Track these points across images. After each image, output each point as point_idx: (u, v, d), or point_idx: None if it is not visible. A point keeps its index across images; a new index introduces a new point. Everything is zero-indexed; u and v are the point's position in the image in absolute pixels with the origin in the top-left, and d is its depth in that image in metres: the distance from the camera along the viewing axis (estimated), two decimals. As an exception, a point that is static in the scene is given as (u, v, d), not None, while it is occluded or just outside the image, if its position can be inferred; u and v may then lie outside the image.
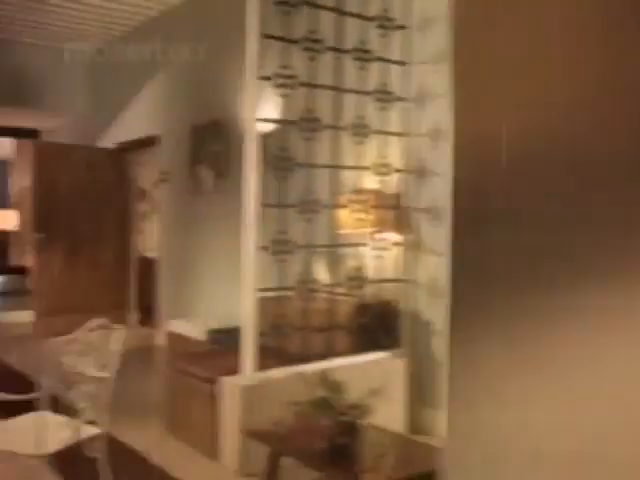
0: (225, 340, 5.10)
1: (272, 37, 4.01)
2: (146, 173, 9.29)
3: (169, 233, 7.89)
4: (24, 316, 9.09)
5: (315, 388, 3.04)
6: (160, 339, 6.71)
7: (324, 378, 3.04)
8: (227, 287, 6.66)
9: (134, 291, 9.09)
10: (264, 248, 4.00)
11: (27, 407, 3.46)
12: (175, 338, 5.92)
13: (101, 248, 8.86)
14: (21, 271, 11.65)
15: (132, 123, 8.64)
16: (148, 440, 4.52)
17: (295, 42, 4.14)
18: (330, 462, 2.94)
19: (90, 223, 8.75)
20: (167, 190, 7.87)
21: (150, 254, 9.30)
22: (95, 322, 3.34)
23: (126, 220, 9.07)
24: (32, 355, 7.48)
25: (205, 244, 7.13)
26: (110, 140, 9.09)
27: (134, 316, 9.06)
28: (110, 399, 3.35)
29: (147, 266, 9.11)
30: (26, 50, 9.28)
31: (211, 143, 6.85)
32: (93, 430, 3.32)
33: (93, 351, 3.26)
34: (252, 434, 3.19)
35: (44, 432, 3.10)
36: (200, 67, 7.25)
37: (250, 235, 3.97)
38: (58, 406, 3.41)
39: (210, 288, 7.02)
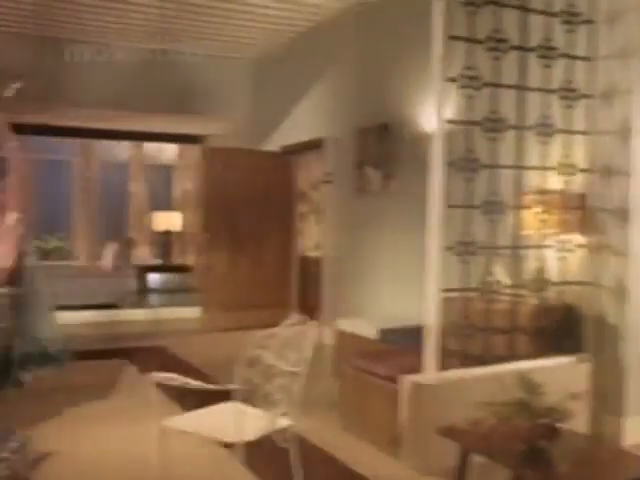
0: (399, 339, 5.13)
1: (458, 38, 4.00)
2: (306, 175, 9.49)
3: (334, 233, 8.03)
4: (191, 312, 9.50)
5: (511, 389, 3.01)
6: (326, 337, 6.82)
7: (522, 379, 3.00)
8: (395, 287, 6.70)
9: (295, 290, 9.31)
10: (448, 249, 4.00)
11: (215, 398, 3.62)
12: (345, 336, 5.99)
13: (264, 248, 9.12)
14: (184, 269, 12.23)
15: (297, 127, 8.86)
16: (325, 435, 4.60)
17: (480, 42, 4.11)
18: (528, 464, 2.90)
19: (253, 224, 9.02)
20: (331, 191, 8.02)
21: (311, 253, 9.50)
22: (293, 318, 3.45)
23: (288, 220, 9.31)
24: (201, 348, 7.88)
25: (371, 244, 7.20)
26: (274, 144, 9.37)
27: (295, 314, 9.25)
28: (301, 393, 3.45)
29: (308, 265, 9.31)
30: (192, 60, 9.73)
31: (378, 145, 6.92)
32: (286, 422, 3.44)
33: (289, 346, 3.36)
34: (446, 432, 3.20)
35: (243, 421, 3.23)
36: (367, 71, 7.34)
37: (434, 235, 3.98)
38: (247, 398, 3.55)
39: (377, 288, 7.08)
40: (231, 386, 3.39)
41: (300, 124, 8.82)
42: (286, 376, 3.34)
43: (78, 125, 11.10)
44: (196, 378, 3.40)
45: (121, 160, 12.71)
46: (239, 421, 3.22)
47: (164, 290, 12.23)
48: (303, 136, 8.71)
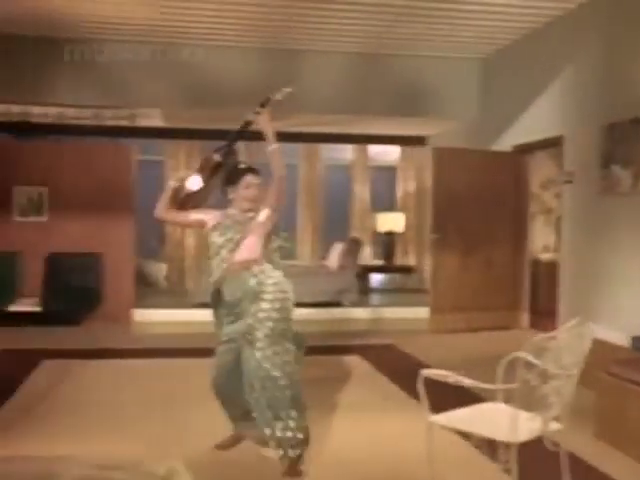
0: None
1: None
2: (536, 175, 9.23)
3: (573, 235, 7.73)
4: (417, 312, 9.55)
5: None
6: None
7: None
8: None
9: (527, 293, 9.06)
10: None
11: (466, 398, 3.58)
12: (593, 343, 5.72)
13: (494, 249, 8.97)
14: (406, 270, 12.31)
15: (530, 125, 8.64)
16: (577, 441, 4.41)
17: None
18: None
19: (484, 224, 8.91)
20: (571, 191, 7.72)
21: (542, 255, 9.21)
22: (573, 322, 3.34)
23: (518, 222, 9.09)
24: (432, 348, 7.90)
25: (616, 248, 6.84)
26: (505, 143, 9.18)
27: (526, 318, 9.03)
28: (572, 397, 3.34)
29: (541, 268, 9.03)
30: (416, 62, 9.79)
31: (628, 141, 6.56)
32: (557, 425, 3.34)
33: (566, 349, 3.25)
34: None
35: (515, 421, 3.17)
36: (612, 64, 6.99)
37: None
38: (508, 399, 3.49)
39: (622, 294, 6.72)
40: (509, 386, 3.33)
41: (534, 122, 8.60)
42: (561, 379, 3.24)
43: (303, 130, 11.51)
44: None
45: (344, 162, 13.02)
46: (512, 421, 3.17)
47: (386, 290, 12.39)
48: (537, 135, 8.47)
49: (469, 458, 4.13)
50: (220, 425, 4.39)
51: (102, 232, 9.44)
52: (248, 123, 4.26)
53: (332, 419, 5.01)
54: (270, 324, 4.04)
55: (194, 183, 4.20)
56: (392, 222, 12.21)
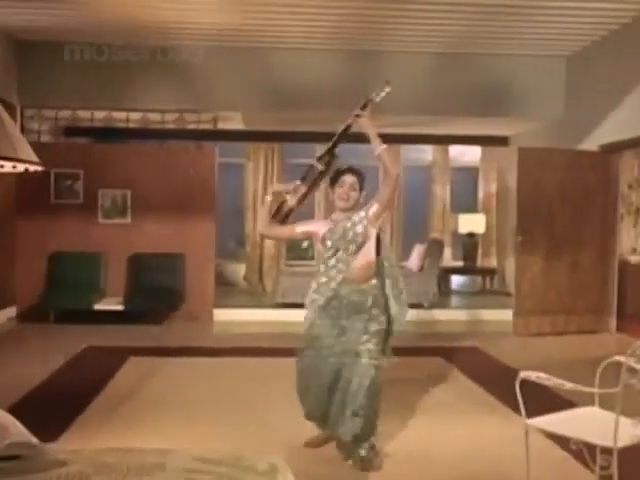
0: None
1: None
2: (624, 174, 8.95)
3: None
4: (499, 315, 9.39)
5: None
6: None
7: None
8: None
9: (614, 296, 8.78)
10: None
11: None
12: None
13: (581, 251, 8.74)
14: (488, 272, 12.11)
15: (619, 124, 8.37)
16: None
17: None
18: None
19: (570, 226, 8.69)
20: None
21: (632, 258, 8.92)
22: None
23: (607, 223, 8.82)
24: (518, 351, 7.75)
25: None
26: (591, 142, 8.93)
27: (613, 322, 8.76)
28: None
29: (629, 270, 8.75)
30: (499, 61, 9.61)
31: None
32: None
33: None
34: None
35: (617, 426, 3.06)
36: None
37: None
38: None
39: None
40: (611, 390, 3.21)
41: (622, 121, 8.34)
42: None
43: (383, 131, 11.41)
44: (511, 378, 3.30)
45: (425, 163, 12.90)
46: (613, 426, 3.05)
47: (467, 292, 12.22)
48: (625, 133, 8.22)
49: (564, 463, 4.04)
50: (305, 424, 4.38)
51: (184, 233, 9.59)
52: (348, 127, 4.18)
53: (420, 421, 4.97)
54: (380, 338, 4.07)
55: (295, 196, 4.17)
56: (473, 223, 12.03)
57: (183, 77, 9.32)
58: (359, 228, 4.06)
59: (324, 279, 4.11)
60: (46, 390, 5.70)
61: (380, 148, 4.06)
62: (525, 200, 8.55)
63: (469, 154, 12.91)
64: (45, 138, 9.91)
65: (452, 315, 10.00)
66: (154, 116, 9.98)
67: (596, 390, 3.44)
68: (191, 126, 10.07)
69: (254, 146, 12.18)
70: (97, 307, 8.94)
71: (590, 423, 3.35)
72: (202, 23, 8.44)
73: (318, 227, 4.21)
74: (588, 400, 3.53)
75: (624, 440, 3.10)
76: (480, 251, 12.44)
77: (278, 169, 12.18)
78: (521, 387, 3.31)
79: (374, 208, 4.08)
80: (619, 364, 3.16)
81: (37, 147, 3.42)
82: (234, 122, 10.63)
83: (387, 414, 5.06)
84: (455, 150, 12.77)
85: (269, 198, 4.27)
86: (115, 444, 4.18)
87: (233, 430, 4.68)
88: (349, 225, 4.08)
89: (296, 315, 9.38)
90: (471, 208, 12.63)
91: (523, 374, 3.32)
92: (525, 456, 3.41)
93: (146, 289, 9.22)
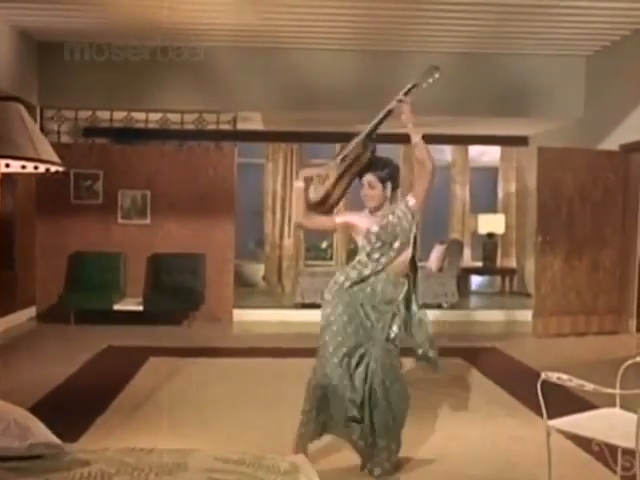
0: None
1: None
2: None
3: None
4: (519, 315, 9.35)
5: None
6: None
7: None
8: None
9: (634, 296, 8.71)
10: None
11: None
12: None
13: (601, 251, 8.69)
14: (507, 272, 12.05)
15: (639, 124, 8.29)
16: None
17: None
18: None
19: (590, 226, 8.64)
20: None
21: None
22: None
23: (628, 223, 8.75)
24: (538, 352, 7.72)
25: None
26: (612, 142, 8.86)
27: (633, 322, 8.68)
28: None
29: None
30: (520, 61, 9.56)
31: None
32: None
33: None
34: None
35: (635, 428, 3.03)
36: None
37: None
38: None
39: None
40: (635, 392, 3.19)
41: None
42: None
43: (402, 131, 11.40)
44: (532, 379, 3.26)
45: (444, 163, 12.86)
46: (632, 427, 3.03)
47: (487, 292, 12.17)
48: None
49: (586, 464, 4.02)
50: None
51: (203, 234, 9.61)
52: (389, 112, 4.00)
53: (440, 422, 4.97)
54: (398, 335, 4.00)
55: (324, 185, 3.99)
56: (493, 223, 11.97)
57: (203, 78, 9.34)
58: (405, 224, 3.95)
59: (367, 272, 3.94)
60: (66, 390, 5.73)
61: (418, 138, 3.93)
62: (545, 200, 8.50)
63: (489, 154, 12.85)
64: (65, 139, 9.98)
65: (471, 316, 9.96)
66: (173, 117, 10.01)
67: (617, 391, 3.41)
68: (210, 126, 10.09)
69: (273, 146, 12.20)
70: (117, 307, 8.98)
71: (611, 424, 3.32)
72: (222, 24, 8.46)
73: (358, 219, 4.05)
74: (609, 401, 3.51)
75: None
76: (500, 251, 12.37)
77: (297, 169, 12.19)
78: (542, 388, 3.29)
79: (412, 203, 3.98)
80: (640, 365, 3.14)
81: (57, 147, 3.44)
82: (253, 122, 10.65)
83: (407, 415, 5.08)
84: (474, 150, 12.72)
85: (301, 184, 4.07)
86: (136, 444, 4.20)
87: (253, 430, 4.69)
88: (395, 220, 3.95)
89: (315, 315, 9.42)
90: (491, 208, 12.56)
91: (544, 375, 3.29)
92: (546, 457, 3.39)
93: (166, 289, 9.25)
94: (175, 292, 9.10)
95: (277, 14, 8.11)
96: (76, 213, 9.48)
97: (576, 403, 4.67)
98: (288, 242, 12.24)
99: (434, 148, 12.38)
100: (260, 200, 12.30)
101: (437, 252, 10.49)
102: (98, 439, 4.35)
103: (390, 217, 3.97)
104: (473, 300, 11.39)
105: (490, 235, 11.93)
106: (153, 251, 9.57)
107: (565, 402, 4.34)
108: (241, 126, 10.28)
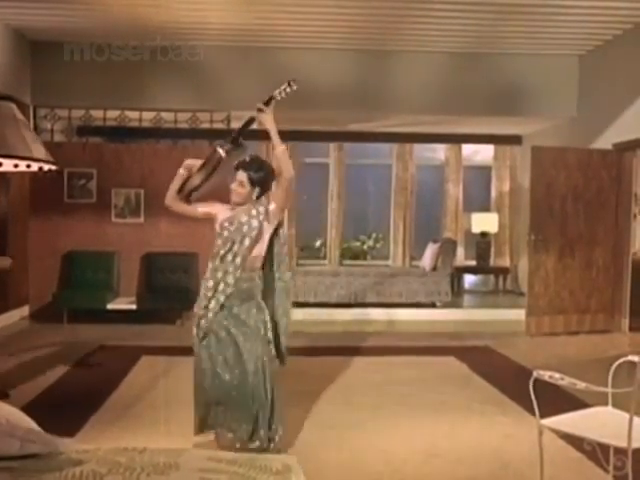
0: None
1: None
2: (637, 173, 8.90)
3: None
4: (512, 314, 9.36)
5: None
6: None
7: None
8: None
9: (627, 295, 8.74)
10: None
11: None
12: None
13: (594, 250, 8.71)
14: (500, 271, 12.08)
15: (633, 122, 8.35)
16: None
17: None
18: None
19: (583, 225, 8.67)
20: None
21: (643, 257, 8.87)
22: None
23: (620, 222, 8.78)
24: (531, 351, 7.73)
25: None
26: (605, 141, 8.89)
27: (625, 321, 8.71)
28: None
29: (640, 269, 8.71)
30: (512, 61, 9.59)
31: None
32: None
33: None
34: None
35: (632, 426, 3.04)
36: None
37: None
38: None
39: None
40: (626, 389, 3.20)
41: (635, 120, 8.31)
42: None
43: (396, 130, 11.45)
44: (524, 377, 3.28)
45: (437, 162, 12.88)
46: (628, 426, 3.04)
47: (480, 291, 12.19)
48: (638, 132, 8.16)
49: (577, 463, 4.03)
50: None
51: (196, 233, 9.54)
52: (251, 120, 4.25)
53: (432, 420, 4.97)
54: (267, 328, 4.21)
55: (197, 175, 4.27)
56: (486, 222, 12.00)
57: (196, 77, 9.33)
58: (254, 222, 4.15)
59: (226, 268, 4.15)
60: (59, 389, 5.72)
61: (280, 148, 4.14)
62: (538, 199, 8.51)
63: (482, 153, 12.87)
64: (58, 137, 9.94)
65: (465, 314, 9.98)
66: (167, 115, 9.99)
67: (609, 390, 3.42)
68: (204, 125, 10.07)
69: (267, 145, 12.18)
70: (110, 306, 8.96)
71: (604, 423, 3.33)
72: (216, 23, 8.45)
73: (218, 211, 4.27)
74: (602, 400, 3.52)
75: (638, 440, 3.08)
76: (493, 250, 12.40)
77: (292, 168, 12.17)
78: (534, 387, 3.30)
79: (272, 207, 4.18)
80: (633, 363, 3.15)
81: (50, 146, 3.44)
82: (247, 121, 10.62)
83: (399, 413, 5.09)
84: (468, 149, 12.73)
85: (182, 171, 4.31)
86: (128, 443, 4.20)
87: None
88: (245, 219, 4.16)
89: (309, 314, 9.44)
90: (484, 207, 12.59)
91: (536, 373, 3.30)
92: (538, 456, 3.40)
93: (159, 288, 9.24)
94: (168, 291, 9.09)
95: (272, 13, 8.10)
96: (69, 212, 9.46)
97: (568, 402, 4.69)
98: (283, 241, 12.23)
99: (428, 147, 12.68)
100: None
101: (430, 251, 10.52)
102: (91, 438, 4.35)
103: (243, 215, 4.17)
104: (466, 299, 11.41)
105: (483, 234, 11.95)
106: (146, 250, 9.56)
107: (557, 401, 4.36)
108: (235, 125, 10.26)
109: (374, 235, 13.01)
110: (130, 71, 9.23)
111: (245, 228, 4.13)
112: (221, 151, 4.24)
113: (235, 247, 4.13)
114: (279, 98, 4.25)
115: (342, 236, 12.59)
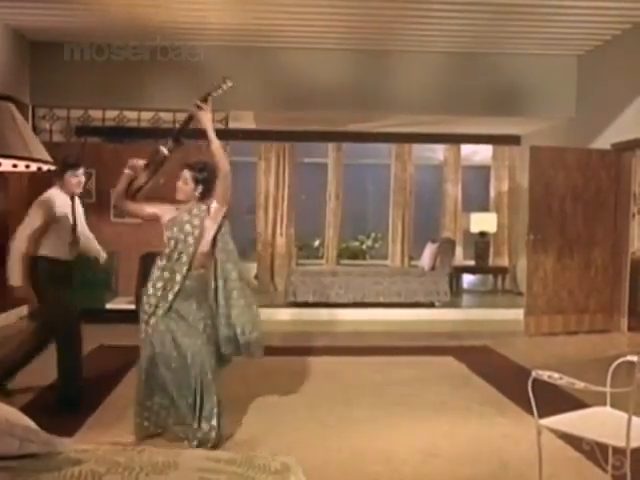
0: None
1: None
2: (637, 173, 8.90)
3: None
4: (511, 314, 9.36)
5: None
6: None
7: None
8: None
9: (626, 295, 8.74)
10: None
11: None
12: None
13: (593, 250, 8.73)
14: (499, 271, 12.09)
15: (631, 122, 8.35)
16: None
17: None
18: None
19: (582, 225, 8.68)
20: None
21: (641, 257, 8.87)
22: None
23: (619, 222, 8.79)
24: (529, 350, 7.74)
25: None
26: (604, 141, 8.89)
27: (624, 321, 8.72)
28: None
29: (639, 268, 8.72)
30: (511, 61, 9.59)
31: None
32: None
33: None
34: None
35: (630, 426, 3.04)
36: None
37: None
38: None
39: None
40: (624, 389, 3.19)
41: (634, 119, 8.31)
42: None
43: (395, 130, 11.46)
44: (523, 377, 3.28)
45: (436, 162, 12.89)
46: (626, 426, 3.04)
47: (479, 291, 12.20)
48: (637, 132, 8.17)
49: (576, 463, 4.03)
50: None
51: (195, 232, 9.58)
52: (190, 118, 4.37)
53: (431, 420, 4.96)
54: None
55: (142, 174, 4.40)
56: (485, 222, 12.00)
57: (195, 76, 9.30)
58: (196, 221, 4.30)
59: (175, 268, 4.29)
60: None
61: (215, 144, 4.26)
62: (537, 199, 8.52)
63: (481, 153, 12.88)
64: (57, 137, 9.94)
65: (463, 314, 9.98)
66: (166, 115, 9.99)
67: (608, 390, 3.42)
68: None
69: (265, 145, 12.18)
70: (109, 306, 8.95)
71: (602, 423, 3.33)
72: (215, 23, 8.45)
73: (164, 212, 4.40)
74: (600, 400, 3.52)
75: (637, 440, 3.08)
76: (492, 250, 12.41)
77: (289, 168, 12.19)
78: (533, 386, 3.30)
79: (214, 204, 4.31)
80: (631, 363, 3.15)
81: (49, 146, 3.44)
82: (246, 121, 10.64)
83: (399, 413, 5.09)
84: (467, 149, 12.74)
85: (127, 171, 4.41)
86: (127, 443, 4.20)
87: (245, 428, 4.68)
88: (187, 218, 4.31)
89: (307, 314, 9.44)
90: (483, 207, 12.59)
91: (535, 373, 3.30)
92: (537, 456, 3.40)
93: (158, 288, 9.22)
94: (167, 291, 9.07)
95: (271, 13, 8.10)
96: (68, 212, 9.44)
97: (567, 402, 4.70)
98: (280, 241, 12.24)
99: (427, 147, 12.68)
100: (252, 199, 12.29)
101: (429, 251, 10.52)
102: (90, 438, 4.34)
103: (185, 215, 4.32)
104: (465, 299, 11.42)
105: (482, 234, 11.96)
106: (145, 250, 9.53)
107: (556, 401, 4.36)
108: (233, 125, 10.26)
109: (373, 235, 13.02)
110: (130, 71, 9.23)
111: (187, 227, 4.29)
112: (164, 150, 4.39)
113: (180, 246, 4.29)
114: (215, 95, 4.33)
115: (340, 236, 12.58)
